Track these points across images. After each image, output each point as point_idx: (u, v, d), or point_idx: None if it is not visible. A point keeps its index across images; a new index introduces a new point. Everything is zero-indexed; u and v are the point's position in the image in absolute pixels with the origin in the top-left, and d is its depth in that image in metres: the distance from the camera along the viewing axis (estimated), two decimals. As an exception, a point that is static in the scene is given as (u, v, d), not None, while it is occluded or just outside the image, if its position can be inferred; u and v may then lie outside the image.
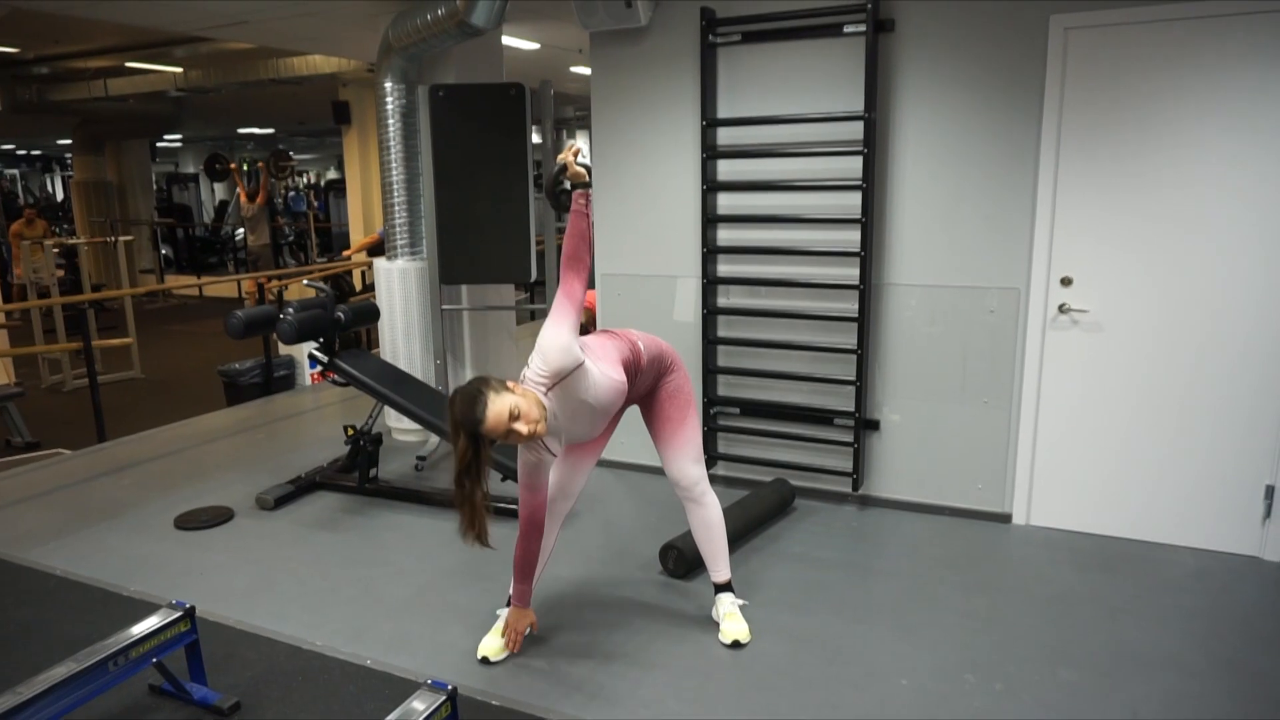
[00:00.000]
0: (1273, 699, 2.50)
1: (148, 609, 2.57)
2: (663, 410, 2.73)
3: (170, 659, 2.46)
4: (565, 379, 2.35)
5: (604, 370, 2.42)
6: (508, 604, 2.80)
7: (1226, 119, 3.10)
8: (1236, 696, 2.51)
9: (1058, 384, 3.51)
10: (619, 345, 2.55)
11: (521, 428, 2.26)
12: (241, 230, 13.92)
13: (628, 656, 2.74)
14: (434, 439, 4.67)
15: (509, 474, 3.77)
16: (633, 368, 2.56)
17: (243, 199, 12.35)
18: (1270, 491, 3.26)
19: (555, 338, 2.32)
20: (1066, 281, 3.42)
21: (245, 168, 22.45)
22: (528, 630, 2.76)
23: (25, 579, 3.35)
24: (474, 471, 2.29)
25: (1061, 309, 3.44)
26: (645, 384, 2.69)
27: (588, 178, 2.47)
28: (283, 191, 16.50)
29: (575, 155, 2.46)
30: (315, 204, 18.72)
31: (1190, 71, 3.13)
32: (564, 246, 2.43)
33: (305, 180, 20.92)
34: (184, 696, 2.51)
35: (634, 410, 2.83)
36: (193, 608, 2.51)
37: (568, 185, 2.47)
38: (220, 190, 21.04)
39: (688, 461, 2.75)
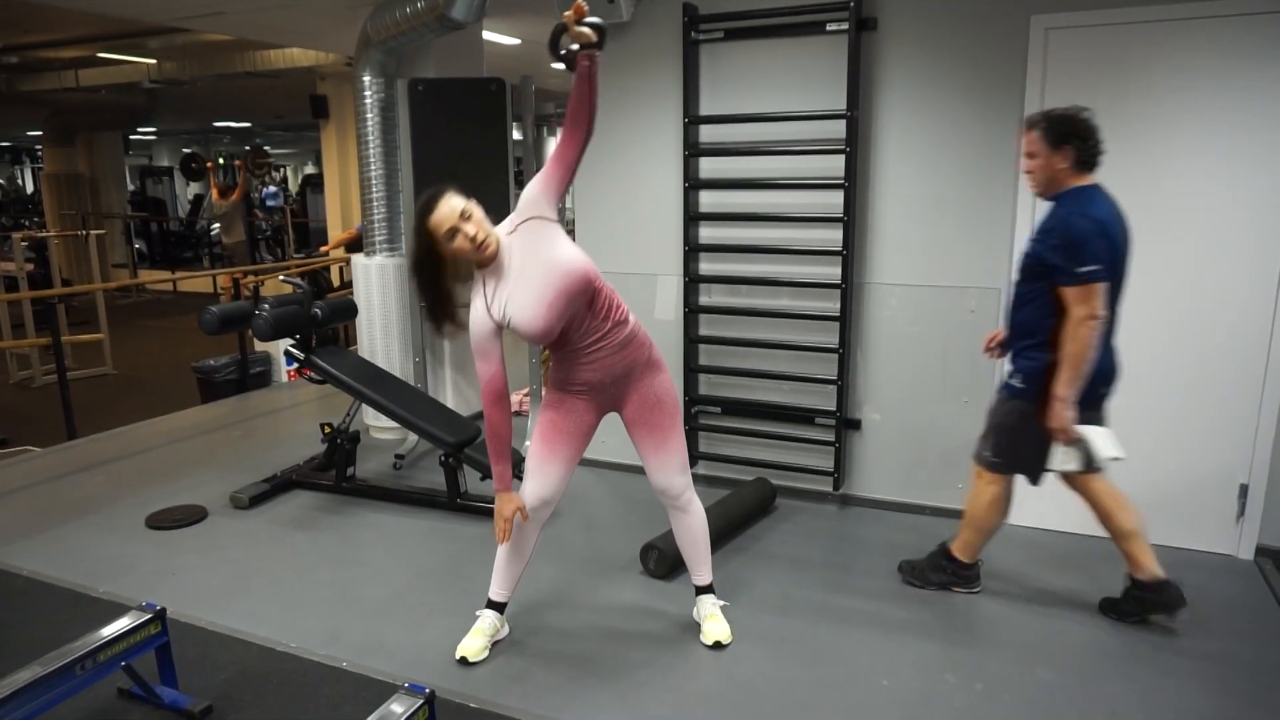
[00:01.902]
0: (1248, 695, 2.53)
1: (118, 610, 2.51)
2: (651, 417, 2.62)
3: (140, 662, 2.41)
4: (532, 220, 2.36)
5: (571, 246, 2.39)
6: (487, 605, 2.77)
7: (1205, 121, 3.13)
8: (1212, 693, 2.53)
9: None
10: (599, 273, 2.46)
11: (469, 228, 2.30)
12: (216, 225, 13.74)
13: (608, 658, 2.72)
14: (413, 437, 4.62)
15: (488, 474, 3.74)
16: (605, 295, 2.47)
17: (215, 196, 12.18)
18: (1244, 490, 3.29)
19: (529, 186, 2.38)
20: None
21: (221, 162, 22.20)
22: (516, 516, 2.57)
23: (-9, 580, 3.28)
24: (430, 263, 2.36)
25: None
26: (621, 363, 2.54)
27: (594, 38, 2.22)
28: (258, 189, 16.29)
29: (577, 15, 2.18)
30: (293, 200, 18.52)
31: (1170, 73, 3.15)
32: (567, 105, 2.37)
33: (281, 175, 20.71)
34: (154, 700, 2.46)
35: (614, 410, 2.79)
36: (164, 609, 2.46)
37: (574, 47, 2.27)
38: (196, 185, 20.78)
39: (675, 472, 2.69)
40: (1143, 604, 2.85)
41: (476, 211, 2.34)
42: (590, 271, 2.39)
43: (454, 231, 2.31)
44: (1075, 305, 2.57)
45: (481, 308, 2.41)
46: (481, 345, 2.43)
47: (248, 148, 18.06)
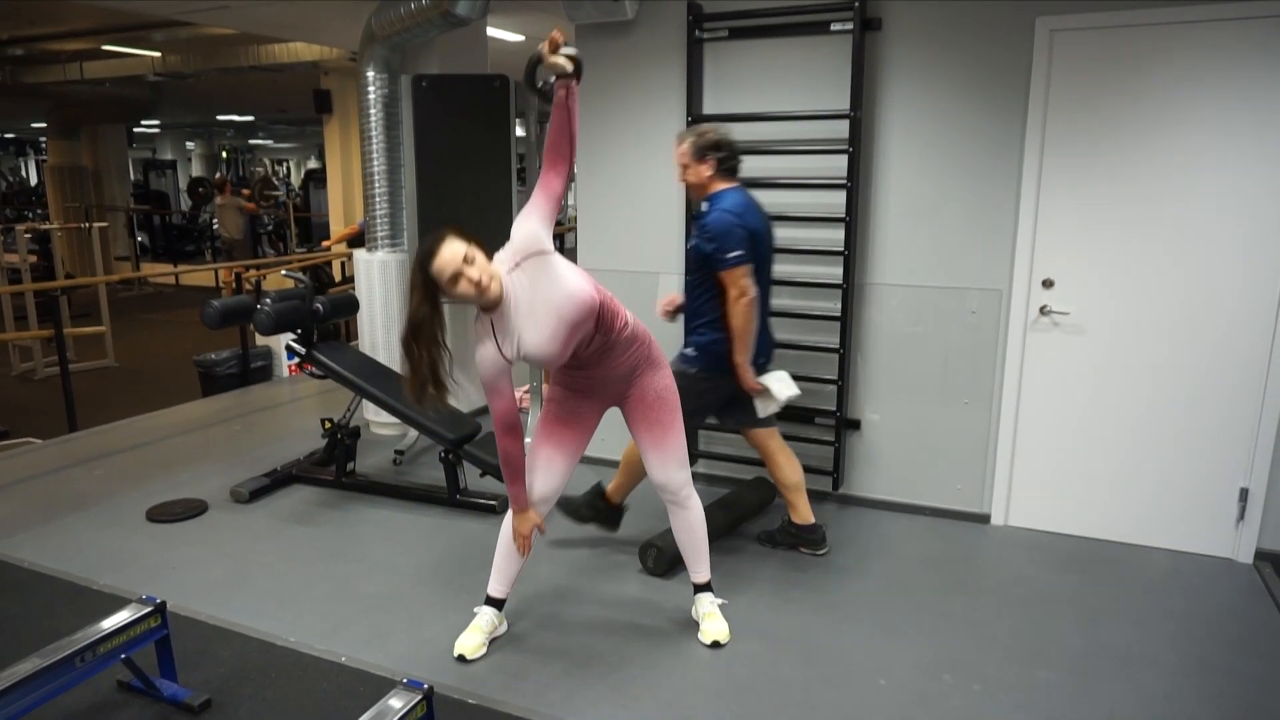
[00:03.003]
0: (1245, 698, 2.53)
1: (118, 603, 2.52)
2: (651, 413, 2.66)
3: (140, 655, 2.42)
4: (531, 259, 2.33)
5: (576, 276, 2.36)
6: (485, 601, 2.77)
7: (1209, 123, 3.13)
8: (1210, 696, 2.53)
9: (1037, 385, 3.53)
10: (598, 286, 2.45)
11: (473, 272, 2.24)
12: (216, 220, 13.79)
13: (606, 655, 2.72)
14: (413, 433, 4.62)
15: (489, 470, 3.75)
16: (609, 310, 2.46)
17: (219, 195, 12.26)
18: (1244, 494, 3.29)
19: (521, 222, 2.36)
20: (1048, 283, 3.43)
21: (225, 156, 22.19)
22: (535, 533, 2.65)
23: (-9, 571, 3.29)
24: (428, 327, 2.28)
25: (1043, 310, 3.45)
26: (624, 365, 2.58)
27: (570, 68, 2.25)
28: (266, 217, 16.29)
29: (553, 47, 2.22)
30: (295, 194, 18.51)
31: (1174, 75, 3.15)
32: (546, 139, 2.37)
33: (284, 171, 20.68)
34: (153, 693, 2.47)
35: (614, 408, 2.80)
36: (163, 603, 2.46)
37: (551, 78, 2.30)
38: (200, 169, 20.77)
39: (674, 467, 2.71)
40: (794, 538, 3.43)
41: (479, 255, 2.28)
42: (595, 299, 2.38)
43: (457, 276, 2.24)
44: (730, 287, 3.02)
45: (493, 349, 2.37)
46: (494, 383, 2.42)
47: (256, 180, 18.13)
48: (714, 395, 3.25)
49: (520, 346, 2.38)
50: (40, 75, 10.50)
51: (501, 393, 2.44)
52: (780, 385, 3.22)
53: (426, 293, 2.28)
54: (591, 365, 2.56)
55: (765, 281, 3.21)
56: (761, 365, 3.26)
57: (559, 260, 2.36)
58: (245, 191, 15.23)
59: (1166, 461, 3.37)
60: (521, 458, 2.57)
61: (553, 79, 2.28)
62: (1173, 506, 3.40)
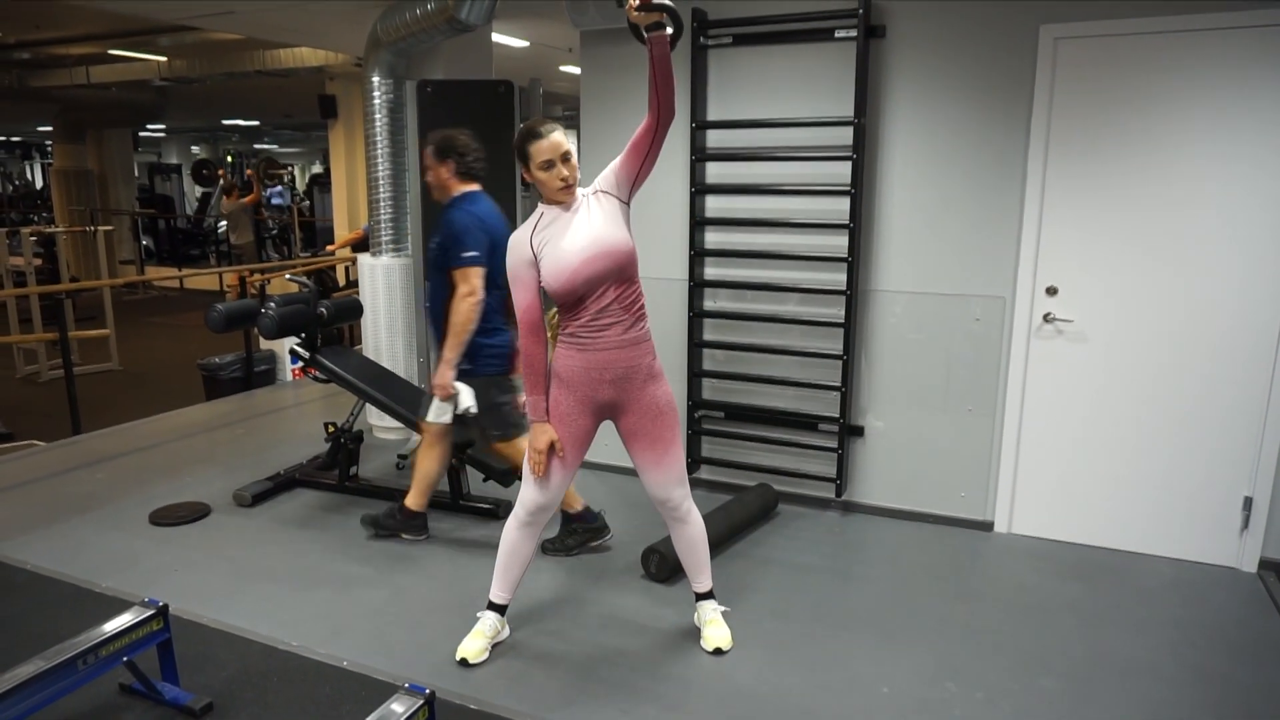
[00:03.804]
0: (1247, 708, 2.52)
1: (120, 606, 2.52)
2: (653, 428, 2.60)
3: (142, 658, 2.42)
4: (608, 196, 2.50)
5: (627, 231, 2.51)
6: (488, 606, 2.77)
7: (1214, 131, 3.12)
8: (1213, 705, 2.52)
9: (1041, 393, 3.52)
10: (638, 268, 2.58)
11: (565, 170, 2.44)
12: (224, 224, 13.82)
13: (608, 661, 2.72)
14: (415, 437, 4.62)
15: (492, 475, 3.75)
16: (632, 284, 2.54)
17: (225, 199, 12.28)
18: (1248, 503, 3.28)
19: (610, 166, 2.52)
20: (1052, 291, 3.43)
21: (230, 160, 22.26)
22: (551, 448, 2.57)
23: (-6, 574, 3.29)
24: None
25: (1046, 318, 3.45)
26: (626, 355, 2.52)
27: (652, 19, 2.24)
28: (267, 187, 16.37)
29: (634, 3, 2.22)
30: (300, 198, 18.56)
31: (1178, 84, 3.15)
32: None
33: (288, 174, 20.75)
34: (155, 696, 2.47)
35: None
36: (165, 606, 2.46)
37: (642, 32, 2.30)
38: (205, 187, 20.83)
39: (674, 484, 2.66)
40: (400, 524, 3.51)
41: (574, 157, 2.46)
42: (634, 256, 2.51)
43: (550, 164, 2.43)
44: (459, 284, 3.11)
45: (525, 235, 2.50)
46: (516, 271, 2.51)
47: (259, 160, 18.18)
48: (496, 394, 3.27)
49: (546, 248, 2.47)
50: (47, 79, 10.54)
51: (526, 284, 2.51)
52: (466, 398, 3.24)
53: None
54: (594, 335, 2.49)
55: (506, 284, 3.17)
56: (504, 374, 3.29)
57: (625, 213, 2.52)
58: (249, 173, 15.19)
59: (1170, 470, 3.37)
60: (544, 361, 2.59)
61: (642, 32, 2.31)
62: (1176, 515, 3.39)
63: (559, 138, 2.43)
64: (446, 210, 3.24)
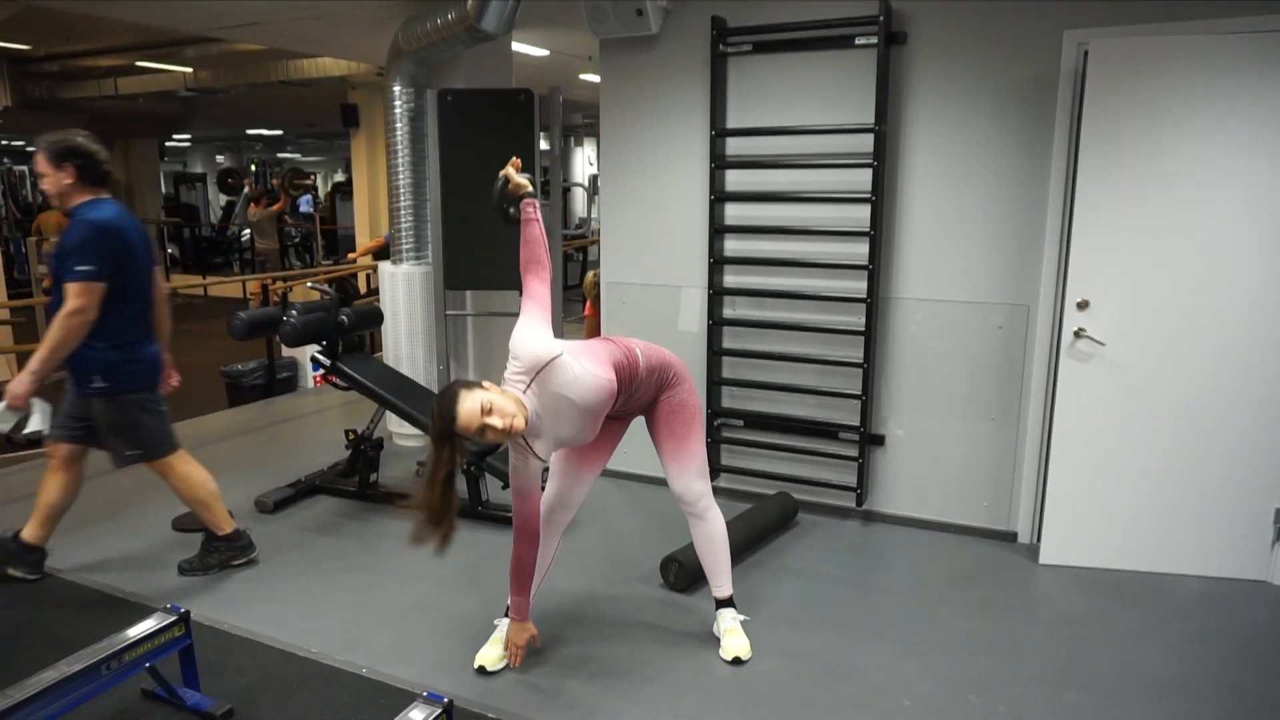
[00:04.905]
0: (1282, 727, 2.46)
1: (143, 612, 2.54)
2: (668, 424, 2.68)
3: (164, 664, 2.43)
4: (542, 372, 2.34)
5: (588, 367, 2.39)
6: (506, 614, 2.76)
7: (1242, 138, 3.06)
8: (1245, 724, 2.47)
9: (1067, 404, 3.45)
10: (611, 349, 2.52)
11: (496, 422, 2.24)
12: (248, 231, 13.99)
13: (627, 671, 2.70)
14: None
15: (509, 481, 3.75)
16: (626, 372, 2.51)
17: (252, 207, 12.46)
18: (1279, 515, 3.22)
19: (522, 332, 2.37)
20: (1082, 305, 3.29)
21: (255, 169, 22.52)
22: (528, 644, 2.70)
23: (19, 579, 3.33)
24: (448, 476, 2.30)
25: (1077, 334, 3.31)
26: (647, 394, 2.64)
27: (530, 187, 2.54)
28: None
29: (516, 168, 2.54)
30: (320, 205, 18.75)
31: (1208, 89, 3.08)
32: (522, 253, 2.48)
33: (312, 182, 21.00)
34: (177, 702, 2.48)
35: (637, 420, 2.80)
36: (188, 612, 2.48)
37: (516, 202, 2.54)
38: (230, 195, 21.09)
39: (692, 477, 2.71)
40: (219, 553, 3.35)
41: (495, 399, 2.26)
42: (613, 385, 2.44)
43: (484, 429, 2.25)
44: (70, 299, 2.84)
45: (531, 462, 2.46)
46: (525, 487, 2.50)
47: (286, 171, 18.41)
48: (138, 412, 3.11)
49: (558, 443, 2.50)
50: (76, 90, 10.72)
51: (530, 498, 2.51)
52: (38, 420, 3.08)
53: (450, 447, 2.29)
54: (621, 404, 2.60)
55: (147, 295, 3.11)
56: (147, 389, 3.16)
57: (567, 359, 2.36)
58: (274, 182, 15.44)
59: (1199, 482, 3.29)
60: (533, 565, 2.62)
61: (517, 202, 2.52)
62: (1206, 529, 3.32)
63: (468, 402, 2.23)
64: (71, 219, 2.93)
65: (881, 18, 3.40)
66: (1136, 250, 3.25)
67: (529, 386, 2.35)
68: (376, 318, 4.58)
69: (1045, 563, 3.47)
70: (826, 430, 3.85)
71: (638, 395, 2.61)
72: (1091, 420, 3.39)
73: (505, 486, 3.80)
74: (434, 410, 2.29)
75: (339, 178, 23.74)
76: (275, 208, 12.79)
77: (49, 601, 3.16)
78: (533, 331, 2.37)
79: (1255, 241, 3.10)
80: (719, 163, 3.86)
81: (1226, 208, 3.12)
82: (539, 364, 2.34)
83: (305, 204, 18.37)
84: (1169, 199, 3.18)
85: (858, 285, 3.66)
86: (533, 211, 2.52)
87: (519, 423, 2.28)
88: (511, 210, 2.56)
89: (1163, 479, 3.35)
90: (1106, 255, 3.27)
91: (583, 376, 2.37)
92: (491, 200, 2.57)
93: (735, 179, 3.90)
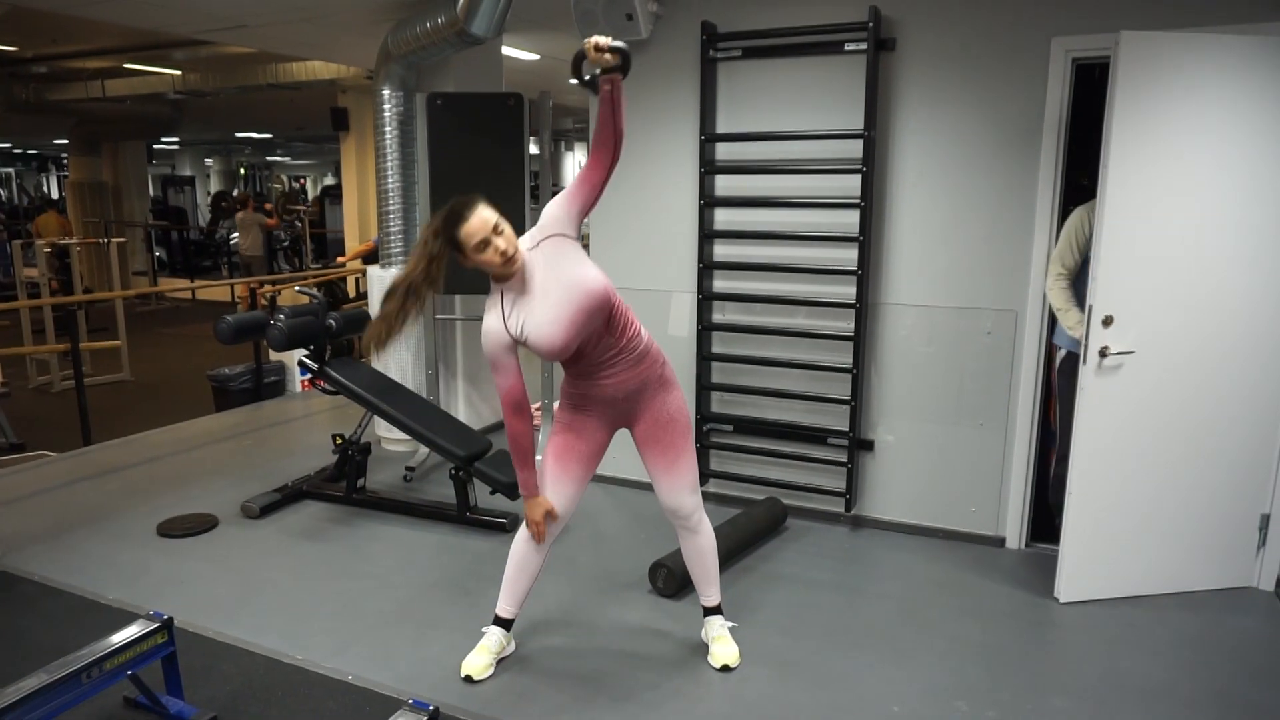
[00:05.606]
0: (1268, 733, 2.47)
1: (126, 619, 2.51)
2: (664, 436, 2.60)
3: (147, 671, 2.41)
4: (550, 239, 2.36)
5: (592, 264, 2.39)
6: (494, 621, 2.75)
7: (1229, 146, 3.06)
8: (1232, 730, 2.48)
9: (1093, 422, 3.30)
10: (613, 289, 2.45)
11: (501, 242, 2.28)
12: (235, 234, 13.94)
13: (614, 677, 2.69)
14: (423, 450, 4.62)
15: (500, 488, 3.73)
16: (621, 314, 2.47)
17: (240, 214, 12.48)
18: (1265, 520, 3.23)
19: (551, 204, 2.39)
20: (1108, 321, 3.24)
21: (243, 173, 22.43)
22: (546, 518, 2.58)
23: (1, 585, 3.29)
24: (425, 282, 2.32)
25: (1103, 352, 3.22)
26: (631, 379, 2.52)
27: (615, 62, 2.24)
28: (287, 230, 16.48)
29: (594, 46, 2.23)
30: (311, 207, 18.70)
31: (1194, 95, 3.10)
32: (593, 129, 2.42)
33: (306, 208, 20.93)
34: (159, 710, 2.46)
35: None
36: (171, 619, 2.46)
37: (597, 71, 2.31)
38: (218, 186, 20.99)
39: (685, 492, 2.65)
40: None
41: (507, 226, 2.32)
42: (610, 290, 2.40)
43: (485, 243, 2.28)
44: None
45: (498, 323, 2.39)
46: (496, 358, 2.42)
47: (280, 195, 18.35)
48: None
49: (525, 325, 2.37)
50: (63, 93, 10.65)
51: (506, 369, 2.43)
52: None
53: (438, 253, 2.31)
54: (598, 372, 2.51)
55: None
56: None
57: (579, 248, 2.39)
58: (268, 206, 15.43)
59: (1186, 490, 3.27)
60: (531, 438, 2.54)
61: (598, 72, 2.30)
62: (1192, 535, 3.28)
63: (485, 212, 2.29)
64: None
65: (871, 24, 3.41)
66: (1122, 253, 3.21)
67: (536, 245, 2.37)
68: (364, 322, 4.55)
69: (1029, 548, 3.48)
70: (815, 435, 3.85)
71: (623, 370, 2.50)
72: (1111, 438, 3.22)
73: (493, 492, 3.79)
74: (445, 208, 2.32)
75: (329, 181, 23.68)
76: (269, 222, 12.86)
77: (31, 608, 3.12)
78: (561, 204, 2.38)
79: (1241, 244, 3.10)
80: (709, 168, 3.86)
81: (1212, 214, 3.12)
82: (553, 231, 2.37)
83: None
84: (1154, 203, 3.17)
85: (847, 290, 3.66)
86: (608, 90, 2.29)
87: (518, 259, 2.32)
88: (590, 82, 2.38)
89: (1149, 481, 3.33)
90: (1133, 268, 3.11)
91: (585, 266, 2.37)
92: (572, 70, 2.41)
93: (725, 184, 3.91)
